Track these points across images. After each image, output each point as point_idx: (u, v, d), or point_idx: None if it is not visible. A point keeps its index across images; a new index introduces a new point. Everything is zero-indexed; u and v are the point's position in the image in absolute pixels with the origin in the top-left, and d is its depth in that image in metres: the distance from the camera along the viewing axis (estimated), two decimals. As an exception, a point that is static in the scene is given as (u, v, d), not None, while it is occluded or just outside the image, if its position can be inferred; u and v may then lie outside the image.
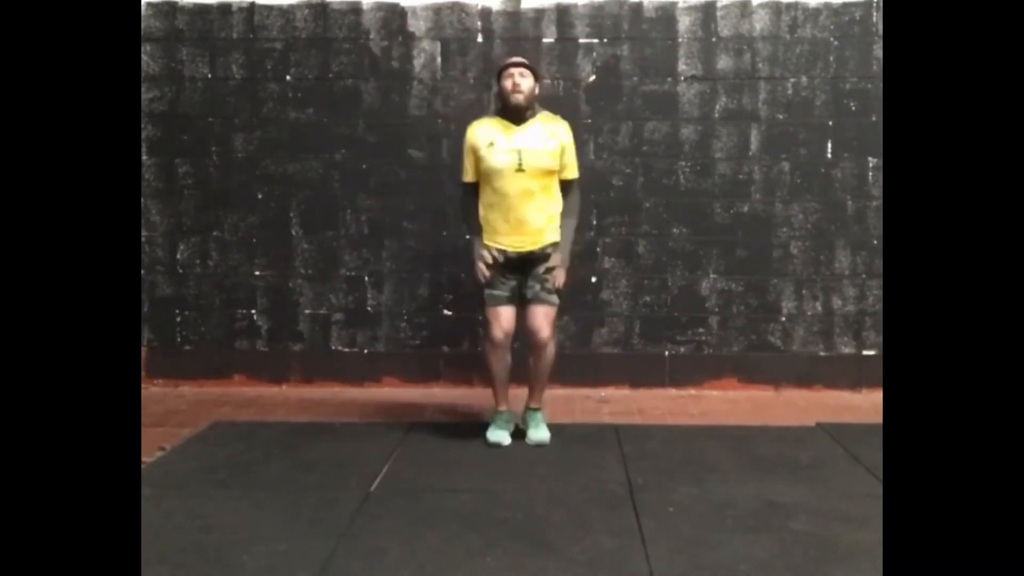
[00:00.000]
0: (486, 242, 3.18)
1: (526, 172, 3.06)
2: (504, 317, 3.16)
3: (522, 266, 3.16)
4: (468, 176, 3.22)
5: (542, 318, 3.15)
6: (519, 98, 3.09)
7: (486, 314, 3.21)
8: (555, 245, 3.18)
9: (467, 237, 3.42)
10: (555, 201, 3.18)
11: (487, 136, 3.13)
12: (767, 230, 4.08)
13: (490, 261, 3.14)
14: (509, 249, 3.12)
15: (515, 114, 3.12)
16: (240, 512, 2.48)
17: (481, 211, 3.19)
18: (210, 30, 4.11)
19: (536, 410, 3.30)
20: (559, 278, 3.18)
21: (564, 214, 3.22)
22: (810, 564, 2.12)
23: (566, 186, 3.23)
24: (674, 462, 2.95)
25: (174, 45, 4.12)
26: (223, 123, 4.13)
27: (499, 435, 3.21)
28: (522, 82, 3.09)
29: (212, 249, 4.17)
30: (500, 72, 3.17)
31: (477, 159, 3.15)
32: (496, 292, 3.17)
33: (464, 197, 3.30)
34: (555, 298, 3.18)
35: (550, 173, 3.13)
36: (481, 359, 3.36)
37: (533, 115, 3.15)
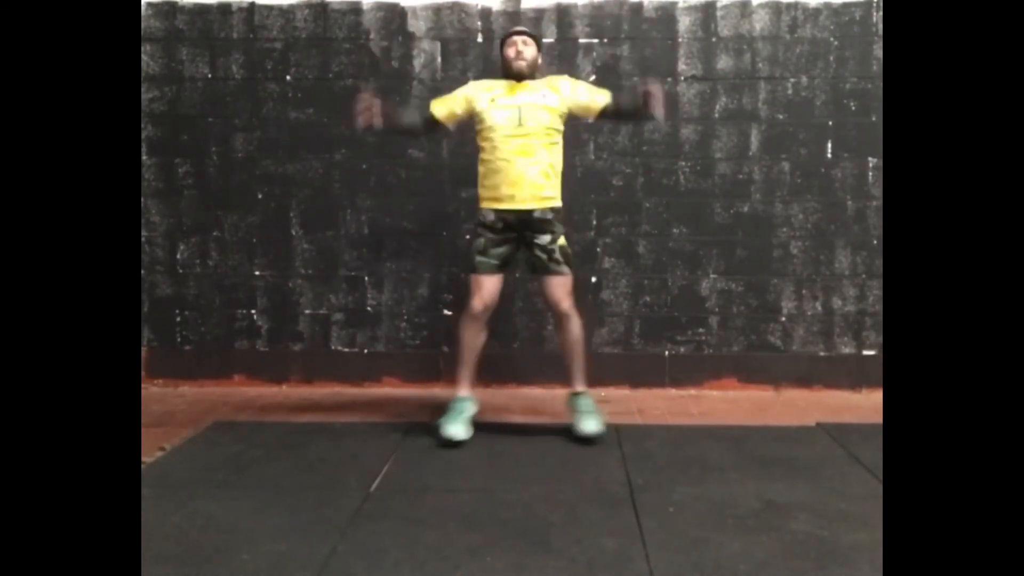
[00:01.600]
0: (484, 206, 3.19)
1: (525, 128, 3.09)
2: (487, 288, 3.15)
3: (521, 230, 3.16)
4: (437, 107, 3.24)
5: (559, 289, 3.16)
6: (521, 65, 3.14)
7: (470, 281, 3.20)
8: (555, 210, 3.18)
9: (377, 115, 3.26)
10: (556, 161, 3.19)
11: (489, 93, 3.17)
12: (767, 230, 4.08)
13: (374, 124, 3.17)
14: (508, 209, 3.13)
15: (517, 80, 3.17)
16: (240, 512, 2.47)
17: (480, 171, 3.21)
18: (210, 30, 4.11)
19: (581, 394, 3.24)
20: (656, 97, 3.09)
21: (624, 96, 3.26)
22: (810, 564, 2.12)
23: (609, 108, 3.20)
24: (674, 462, 2.95)
25: (174, 45, 4.12)
26: (223, 123, 4.13)
27: (456, 428, 3.07)
28: (525, 50, 3.16)
29: (212, 249, 4.17)
30: (503, 40, 3.23)
31: (469, 112, 3.18)
32: (485, 259, 3.16)
33: (415, 108, 3.36)
34: (565, 269, 3.18)
35: (551, 131, 3.14)
36: (455, 331, 3.29)
37: (534, 80, 3.20)
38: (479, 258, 3.18)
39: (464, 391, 3.25)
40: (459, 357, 3.27)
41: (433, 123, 3.28)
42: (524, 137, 3.10)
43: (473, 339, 3.22)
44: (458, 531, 2.32)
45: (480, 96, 3.19)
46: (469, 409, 3.23)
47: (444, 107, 3.25)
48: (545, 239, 3.16)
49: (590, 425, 3.14)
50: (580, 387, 3.28)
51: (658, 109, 3.14)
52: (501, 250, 3.18)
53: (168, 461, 2.98)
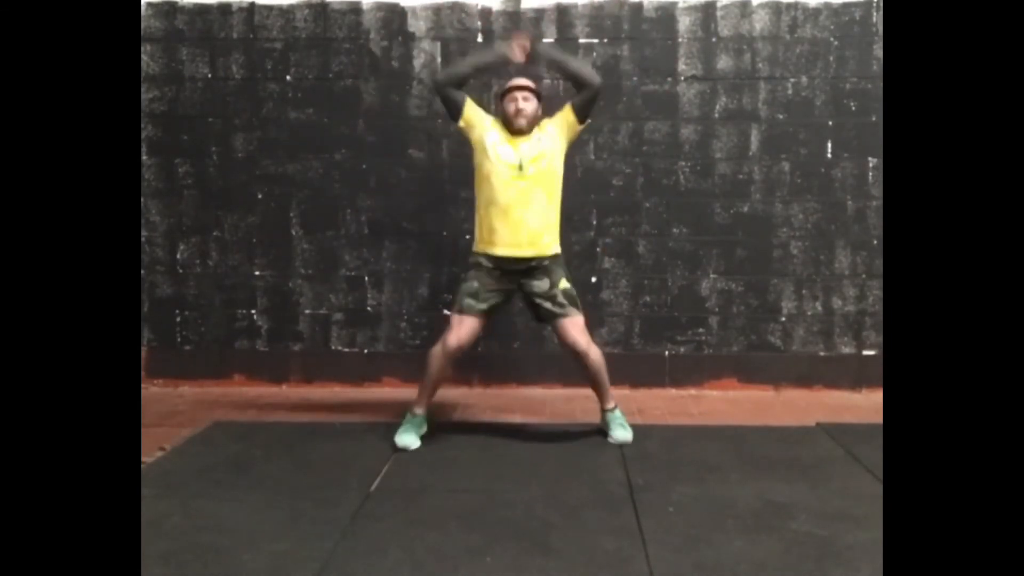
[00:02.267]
0: (479, 250, 3.14)
1: (525, 174, 3.05)
2: (466, 328, 3.11)
3: (517, 278, 3.13)
4: (463, 108, 3.12)
5: (573, 330, 3.13)
6: (522, 123, 3.10)
7: (451, 317, 3.16)
8: (555, 258, 3.15)
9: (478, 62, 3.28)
10: (555, 208, 3.16)
11: (495, 132, 3.12)
12: (767, 230, 4.08)
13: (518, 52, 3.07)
14: (505, 256, 3.09)
15: (517, 134, 3.12)
16: (240, 512, 2.47)
17: (477, 216, 3.17)
18: (210, 30, 4.11)
19: (612, 410, 3.27)
20: (524, 43, 3.08)
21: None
22: (810, 564, 2.12)
23: (574, 100, 3.12)
24: (674, 462, 2.95)
25: (174, 45, 4.12)
26: (223, 123, 4.13)
27: (408, 438, 3.10)
28: (525, 107, 3.10)
29: (212, 249, 4.17)
30: (503, 94, 3.17)
31: (471, 125, 3.13)
32: (474, 303, 3.11)
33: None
34: (573, 310, 3.14)
35: (551, 177, 3.12)
36: (425, 356, 3.24)
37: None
38: (468, 300, 3.12)
39: (420, 410, 3.22)
40: (424, 380, 3.22)
41: (461, 102, 3.14)
42: (524, 183, 3.06)
43: (440, 372, 3.18)
44: (458, 531, 2.32)
45: (488, 127, 3.13)
46: (423, 426, 3.21)
47: (467, 113, 3.14)
48: (543, 285, 3.12)
49: (625, 434, 3.19)
50: (610, 404, 3.29)
51: (517, 56, 3.09)
52: (493, 298, 3.14)
53: (168, 461, 2.98)
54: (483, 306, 3.12)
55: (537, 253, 3.11)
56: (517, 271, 3.13)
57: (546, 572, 2.07)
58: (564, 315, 3.13)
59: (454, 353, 3.13)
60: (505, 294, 3.18)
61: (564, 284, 3.16)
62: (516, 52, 3.12)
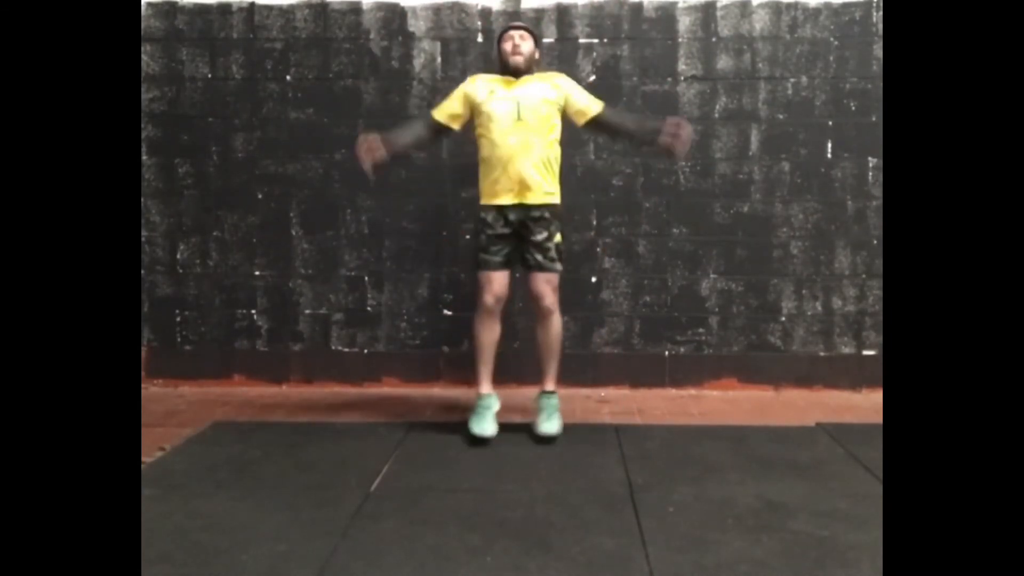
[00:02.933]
0: (483, 203, 3.19)
1: (524, 122, 3.08)
2: (497, 282, 3.16)
3: (520, 226, 3.16)
4: (439, 112, 3.23)
5: (544, 284, 3.17)
6: (518, 60, 3.13)
7: (478, 279, 3.21)
8: (553, 207, 3.18)
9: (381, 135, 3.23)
10: (554, 156, 3.19)
11: (487, 87, 3.16)
12: (767, 230, 4.08)
13: (379, 158, 3.12)
14: (507, 204, 3.13)
15: (514, 75, 3.16)
16: (240, 512, 2.47)
17: (481, 169, 3.21)
18: (210, 30, 4.11)
19: (550, 394, 3.26)
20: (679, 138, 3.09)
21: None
22: (810, 564, 2.12)
23: (598, 120, 3.20)
24: (674, 462, 2.95)
25: (174, 45, 4.12)
26: (223, 123, 4.13)
27: (483, 426, 3.10)
28: (522, 44, 3.14)
29: (212, 249, 4.17)
30: (500, 35, 3.22)
31: (469, 108, 3.17)
32: (489, 257, 3.17)
33: (416, 121, 3.33)
34: (558, 266, 3.20)
35: (549, 126, 3.15)
36: (470, 329, 3.30)
37: (532, 75, 3.20)
38: (483, 255, 3.19)
39: (486, 388, 3.26)
40: (476, 355, 3.27)
41: (438, 129, 3.28)
42: (523, 131, 3.09)
43: (488, 335, 3.22)
44: (458, 531, 2.32)
45: (479, 88, 3.19)
46: (494, 405, 3.24)
47: (444, 110, 3.25)
48: (542, 236, 3.16)
49: (551, 426, 3.16)
50: (551, 386, 3.29)
51: (679, 149, 3.11)
52: (503, 247, 3.18)
53: (168, 461, 2.98)
54: (498, 258, 3.16)
55: (539, 201, 3.13)
56: (520, 220, 3.15)
57: (546, 572, 2.07)
58: (549, 269, 3.17)
59: (494, 307, 3.18)
60: (512, 242, 3.19)
61: (558, 238, 3.21)
62: None
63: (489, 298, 3.17)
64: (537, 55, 3.25)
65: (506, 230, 3.18)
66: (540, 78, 3.22)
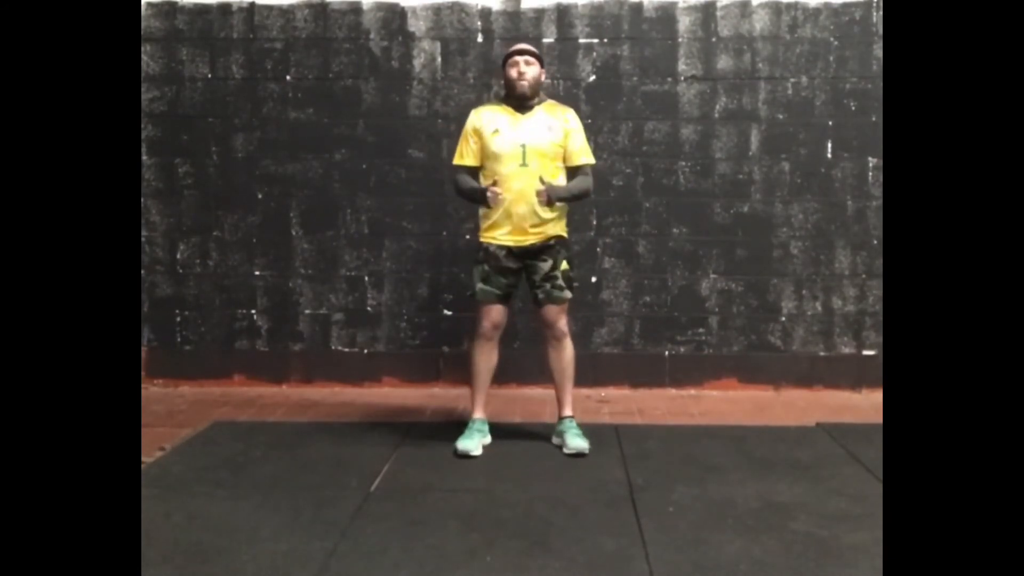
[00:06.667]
0: (485, 239, 3.13)
1: (530, 168, 3.04)
2: (495, 312, 3.12)
3: (523, 260, 3.11)
4: (463, 159, 3.15)
5: (556, 312, 3.13)
6: (523, 86, 3.08)
7: (477, 311, 3.16)
8: (559, 238, 3.15)
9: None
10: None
11: (492, 123, 3.10)
12: (767, 230, 4.08)
13: (499, 190, 3.01)
14: (511, 244, 3.09)
15: (519, 102, 3.10)
16: (240, 512, 2.47)
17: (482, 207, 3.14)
18: (210, 30, 4.11)
19: (569, 418, 3.18)
20: (543, 195, 3.00)
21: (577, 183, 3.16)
22: (810, 564, 2.12)
23: (576, 172, 3.15)
24: (674, 462, 2.95)
25: (174, 45, 4.12)
26: (223, 123, 4.13)
27: (468, 444, 3.03)
28: (527, 70, 3.08)
29: (212, 249, 4.17)
30: (505, 60, 3.16)
31: (480, 144, 3.11)
32: (489, 289, 3.11)
33: (458, 177, 3.18)
34: (567, 294, 3.15)
35: (554, 169, 3.10)
36: (467, 355, 3.27)
37: (538, 103, 3.14)
38: (481, 286, 3.11)
39: (479, 413, 3.20)
40: (472, 381, 3.22)
41: (470, 171, 3.17)
42: (527, 177, 3.03)
43: (485, 362, 3.17)
44: (458, 531, 2.32)
45: (484, 122, 3.12)
46: (484, 432, 3.16)
47: (466, 156, 3.16)
48: (546, 266, 3.11)
49: (583, 442, 3.07)
50: (569, 411, 3.21)
51: (542, 196, 3.04)
52: (504, 280, 3.12)
53: (168, 461, 2.98)
54: (497, 291, 3.11)
55: (542, 239, 3.10)
56: (523, 253, 3.11)
57: (546, 572, 2.07)
58: (556, 300, 3.13)
59: (491, 333, 3.15)
60: (515, 274, 3.15)
61: (565, 265, 3.16)
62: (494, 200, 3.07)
63: (487, 325, 3.13)
64: (543, 77, 3.19)
65: (511, 264, 3.11)
66: (549, 110, 3.14)
